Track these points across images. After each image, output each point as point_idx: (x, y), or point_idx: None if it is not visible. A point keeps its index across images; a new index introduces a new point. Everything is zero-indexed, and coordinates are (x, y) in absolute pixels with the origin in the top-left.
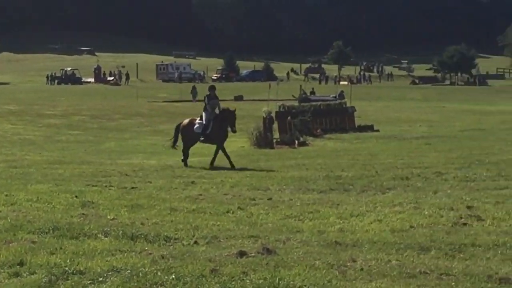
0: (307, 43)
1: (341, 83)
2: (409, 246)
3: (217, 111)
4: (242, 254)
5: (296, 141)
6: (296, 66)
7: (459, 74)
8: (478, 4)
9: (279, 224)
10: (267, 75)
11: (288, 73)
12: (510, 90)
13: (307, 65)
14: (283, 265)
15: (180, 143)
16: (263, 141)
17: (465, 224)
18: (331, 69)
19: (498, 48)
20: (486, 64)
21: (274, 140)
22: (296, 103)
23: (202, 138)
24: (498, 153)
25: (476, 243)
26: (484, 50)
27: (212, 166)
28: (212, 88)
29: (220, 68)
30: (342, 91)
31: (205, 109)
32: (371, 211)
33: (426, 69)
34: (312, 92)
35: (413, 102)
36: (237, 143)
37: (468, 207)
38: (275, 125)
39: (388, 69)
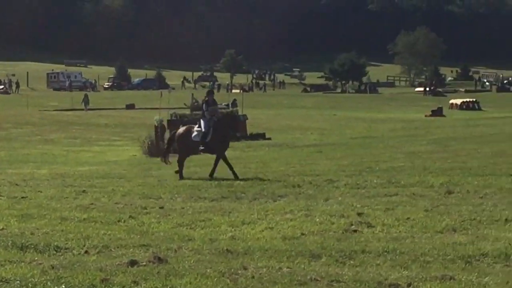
0: (199, 51)
1: (233, 91)
2: (300, 253)
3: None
4: (133, 263)
5: None
6: (188, 74)
7: (350, 82)
8: (368, 12)
9: (170, 233)
10: (159, 84)
11: (183, 81)
12: (400, 97)
13: (200, 73)
14: (174, 274)
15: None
16: (155, 149)
17: (355, 231)
18: (224, 77)
19: (388, 56)
20: (376, 72)
21: None
22: (188, 111)
23: (202, 148)
24: (388, 160)
25: (366, 250)
26: (375, 58)
27: (211, 178)
28: (210, 93)
29: (112, 76)
30: (235, 99)
31: (203, 116)
32: (263, 218)
33: (318, 77)
34: None
35: (304, 110)
36: (129, 151)
37: (359, 214)
38: (167, 134)
39: (280, 77)
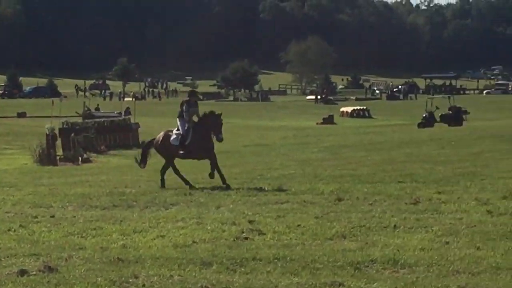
0: (91, 60)
1: (125, 99)
2: (191, 261)
3: (195, 118)
4: (23, 272)
5: (80, 158)
6: (80, 82)
7: (242, 90)
8: (260, 21)
9: (61, 242)
10: (51, 92)
11: (77, 90)
12: (291, 106)
13: (92, 82)
14: (64, 283)
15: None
16: (46, 158)
17: (246, 238)
18: (116, 86)
19: (280, 65)
20: (268, 80)
21: (58, 157)
22: (80, 120)
23: (182, 152)
24: (279, 168)
25: (257, 257)
26: (267, 66)
27: (226, 184)
28: (193, 94)
29: (3, 84)
30: (128, 107)
31: (180, 117)
32: (154, 227)
33: (210, 85)
34: (97, 109)
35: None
36: (19, 160)
37: (250, 222)
38: (59, 142)
39: (172, 85)
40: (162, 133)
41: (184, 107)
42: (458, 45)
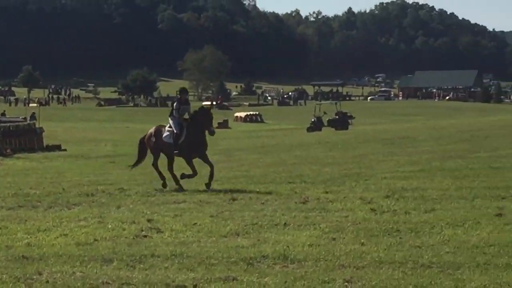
0: None
1: (30, 105)
2: (93, 258)
3: (186, 116)
4: None
5: None
6: None
7: (141, 96)
8: (159, 31)
9: None
10: None
11: None
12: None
13: None
14: None
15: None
16: None
17: (145, 236)
18: (21, 92)
19: (178, 72)
20: (167, 87)
21: None
22: None
23: (176, 151)
24: (177, 169)
25: (156, 254)
26: (165, 74)
27: (208, 188)
28: (183, 92)
29: None
30: (33, 113)
31: (171, 116)
32: (58, 226)
33: (112, 92)
34: (3, 114)
35: (98, 123)
36: None
37: (149, 220)
38: None
39: (75, 91)
40: (153, 128)
41: (174, 105)
42: (344, 54)
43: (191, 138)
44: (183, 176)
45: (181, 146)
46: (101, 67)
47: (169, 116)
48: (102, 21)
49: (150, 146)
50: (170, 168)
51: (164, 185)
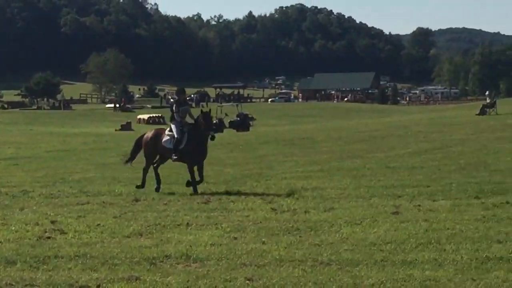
0: None
1: None
2: None
3: (188, 119)
4: None
5: None
6: None
7: (45, 99)
8: (62, 35)
9: None
10: None
11: None
12: (92, 113)
13: None
14: None
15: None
16: None
17: (49, 237)
18: None
19: (81, 75)
20: (70, 89)
21: None
22: None
23: (176, 157)
24: (80, 171)
25: (59, 255)
26: (68, 77)
27: (196, 192)
28: (181, 92)
29: None
30: None
31: (172, 119)
32: None
33: (15, 95)
34: None
35: (2, 126)
36: None
37: (52, 222)
38: None
39: None
40: (152, 131)
41: (174, 108)
42: (245, 57)
43: (194, 143)
44: (189, 184)
45: (183, 152)
46: (4, 70)
47: (170, 121)
48: (5, 25)
49: (147, 150)
50: (146, 168)
51: (143, 184)
